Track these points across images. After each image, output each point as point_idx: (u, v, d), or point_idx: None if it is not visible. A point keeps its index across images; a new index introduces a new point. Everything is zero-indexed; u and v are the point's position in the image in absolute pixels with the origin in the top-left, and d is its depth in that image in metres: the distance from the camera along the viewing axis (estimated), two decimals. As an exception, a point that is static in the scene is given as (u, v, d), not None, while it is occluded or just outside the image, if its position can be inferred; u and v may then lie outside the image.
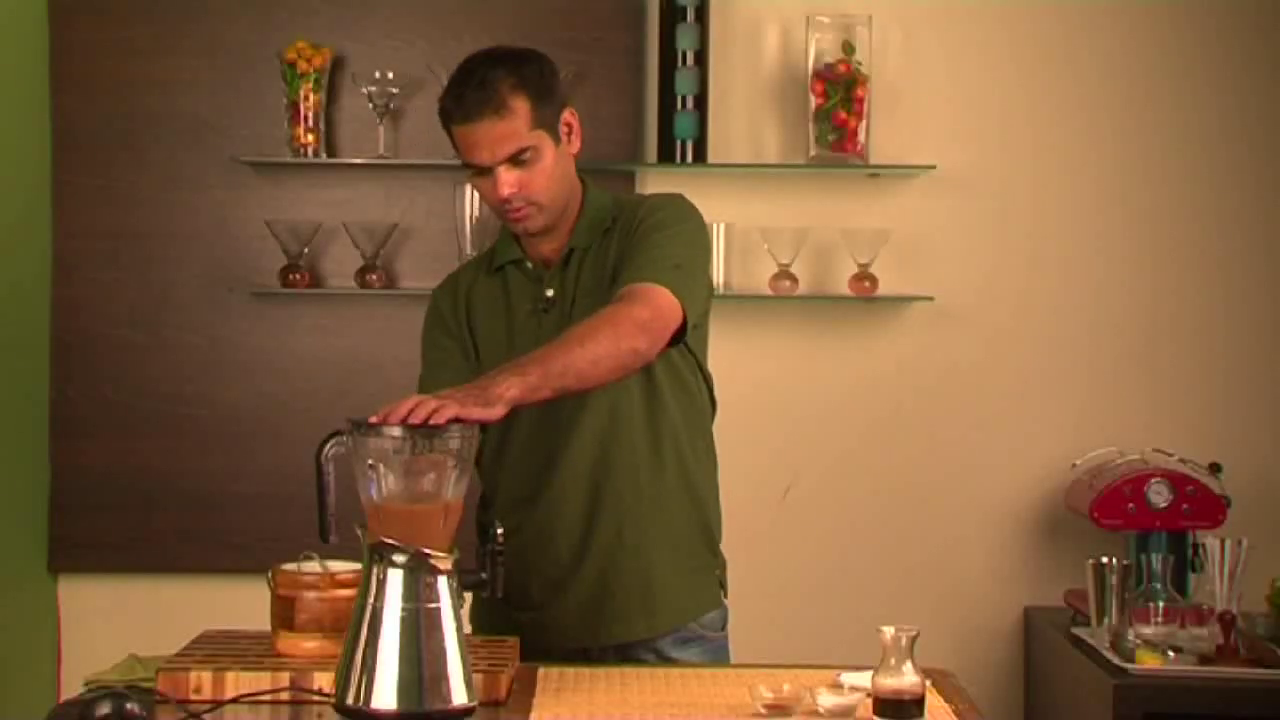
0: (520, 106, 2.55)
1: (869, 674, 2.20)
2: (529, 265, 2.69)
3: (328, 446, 2.23)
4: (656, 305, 2.48)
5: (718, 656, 2.71)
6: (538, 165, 2.57)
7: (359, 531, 2.17)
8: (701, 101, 4.06)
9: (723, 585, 2.75)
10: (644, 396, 2.63)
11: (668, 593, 2.66)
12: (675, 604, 2.67)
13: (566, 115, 2.63)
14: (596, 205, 2.69)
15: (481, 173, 2.58)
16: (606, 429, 2.62)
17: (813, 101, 4.07)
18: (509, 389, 2.28)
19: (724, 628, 2.75)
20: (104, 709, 2.09)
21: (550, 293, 2.65)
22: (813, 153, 4.08)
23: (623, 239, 2.63)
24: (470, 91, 2.55)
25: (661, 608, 2.66)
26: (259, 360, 4.12)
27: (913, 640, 2.16)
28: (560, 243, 2.67)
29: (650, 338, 2.46)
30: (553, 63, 2.64)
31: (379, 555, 2.13)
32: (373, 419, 2.18)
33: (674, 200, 2.71)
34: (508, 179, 2.56)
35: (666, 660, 2.64)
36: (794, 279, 4.08)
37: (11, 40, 3.94)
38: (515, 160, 2.55)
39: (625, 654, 2.65)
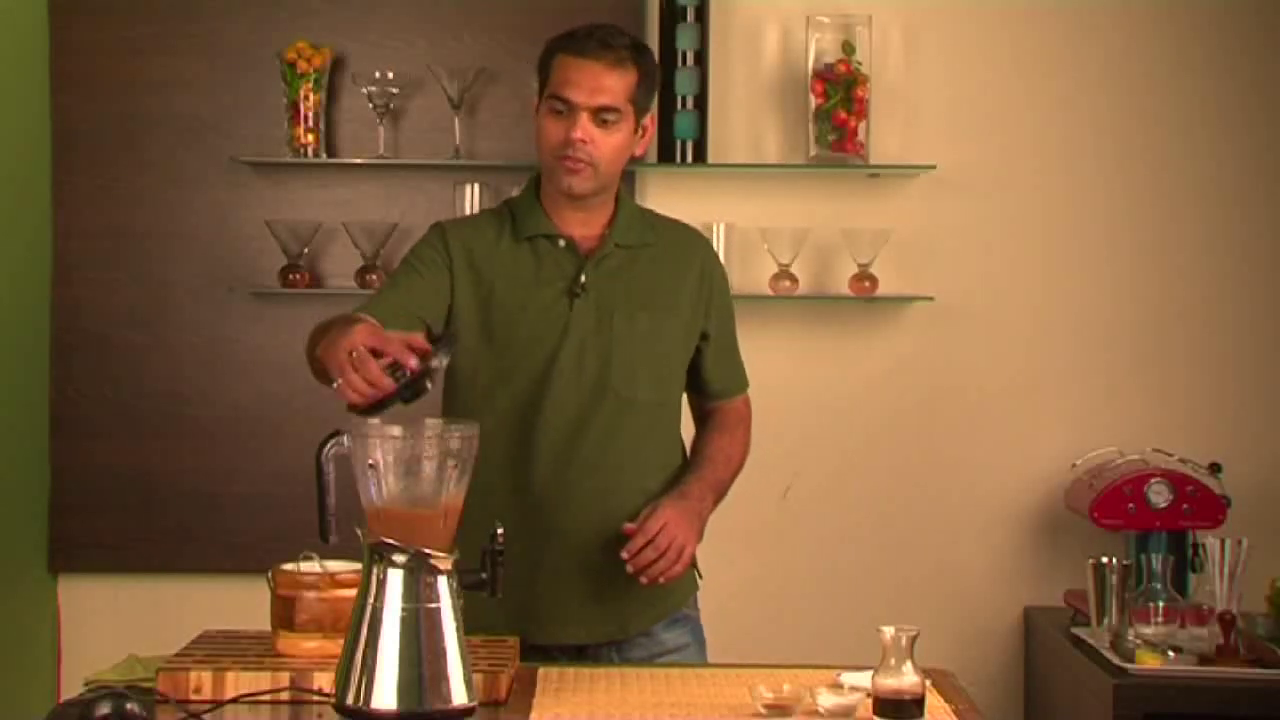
0: (630, 73, 2.65)
1: (869, 674, 2.21)
2: (562, 243, 2.71)
3: (328, 446, 2.23)
4: (749, 422, 2.87)
5: (697, 633, 2.77)
6: (615, 134, 2.65)
7: (359, 531, 2.17)
8: (701, 101, 4.06)
9: (694, 564, 2.75)
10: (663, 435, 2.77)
11: (654, 591, 2.67)
12: (662, 599, 2.71)
13: (648, 119, 2.73)
14: (630, 209, 2.78)
15: (560, 112, 2.63)
16: (625, 454, 2.70)
17: (813, 101, 4.07)
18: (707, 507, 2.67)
19: (696, 603, 2.81)
20: (104, 709, 2.09)
21: (583, 279, 2.69)
22: (813, 153, 4.08)
23: (704, 291, 2.79)
24: (598, 32, 2.65)
25: (658, 599, 2.70)
26: (259, 360, 4.12)
27: (913, 640, 2.16)
28: (593, 230, 2.72)
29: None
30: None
31: (379, 555, 2.13)
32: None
33: (721, 266, 2.89)
34: (587, 127, 2.62)
35: (656, 641, 2.70)
36: (794, 279, 4.08)
37: (11, 40, 3.94)
38: (601, 115, 2.62)
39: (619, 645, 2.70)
